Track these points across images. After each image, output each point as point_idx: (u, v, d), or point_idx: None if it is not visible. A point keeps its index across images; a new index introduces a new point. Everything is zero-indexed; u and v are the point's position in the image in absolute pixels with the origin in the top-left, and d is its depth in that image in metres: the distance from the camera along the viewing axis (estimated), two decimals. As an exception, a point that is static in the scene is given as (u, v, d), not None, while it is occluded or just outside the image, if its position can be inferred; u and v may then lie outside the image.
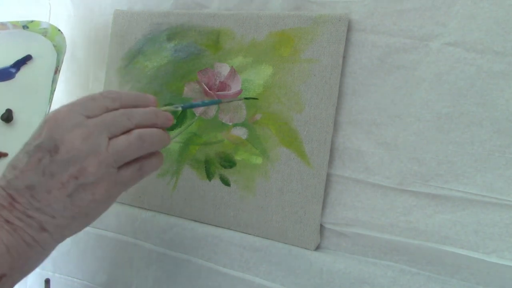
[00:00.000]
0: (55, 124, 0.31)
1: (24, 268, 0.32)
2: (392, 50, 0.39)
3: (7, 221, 0.31)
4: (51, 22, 0.58)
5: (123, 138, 0.32)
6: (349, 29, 0.40)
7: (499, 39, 0.35)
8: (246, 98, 0.43)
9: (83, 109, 0.32)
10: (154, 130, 0.34)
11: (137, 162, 0.34)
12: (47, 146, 0.30)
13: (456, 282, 0.37)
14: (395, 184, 0.39)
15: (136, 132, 0.33)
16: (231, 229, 0.45)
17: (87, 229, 0.52)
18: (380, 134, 0.40)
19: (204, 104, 0.44)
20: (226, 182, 0.45)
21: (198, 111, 0.47)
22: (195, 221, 0.47)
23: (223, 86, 0.45)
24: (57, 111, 0.32)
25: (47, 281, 0.52)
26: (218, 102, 0.44)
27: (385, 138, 0.39)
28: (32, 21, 0.54)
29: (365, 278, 0.39)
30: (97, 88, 0.56)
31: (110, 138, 0.32)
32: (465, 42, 0.36)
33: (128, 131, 0.33)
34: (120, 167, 0.33)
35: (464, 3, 0.36)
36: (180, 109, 0.39)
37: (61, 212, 0.31)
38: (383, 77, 0.39)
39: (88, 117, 0.32)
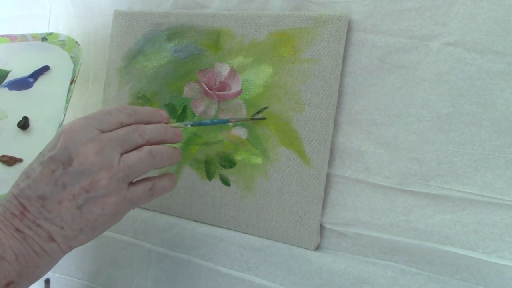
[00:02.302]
0: (70, 136, 0.31)
1: (31, 276, 0.32)
2: (392, 50, 0.39)
3: (17, 230, 0.31)
4: (51, 22, 0.58)
5: (134, 154, 0.33)
6: (349, 29, 0.40)
7: (499, 39, 0.35)
8: (253, 119, 0.43)
9: (98, 123, 0.33)
10: (164, 146, 0.36)
11: (149, 181, 0.35)
12: (61, 158, 0.31)
13: (456, 282, 0.37)
14: (395, 184, 0.39)
15: (147, 148, 0.34)
16: (231, 229, 0.45)
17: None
18: (380, 134, 0.40)
19: (212, 123, 0.44)
20: (226, 182, 0.45)
21: (198, 111, 0.47)
22: (195, 221, 0.47)
23: (223, 86, 0.45)
24: (73, 124, 0.32)
25: (47, 281, 0.52)
26: (226, 122, 0.44)
27: (385, 138, 0.39)
28: (51, 34, 0.56)
29: (365, 278, 0.39)
30: (97, 88, 0.56)
31: (122, 154, 0.33)
32: (465, 42, 0.36)
33: (139, 147, 0.34)
34: (131, 184, 0.34)
35: (464, 3, 0.36)
36: (189, 126, 0.40)
37: (69, 223, 0.32)
38: (383, 77, 0.39)
39: (103, 131, 0.33)
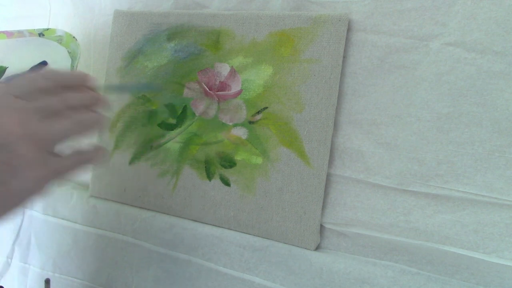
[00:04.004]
0: None
1: None
2: (392, 50, 0.39)
3: None
4: (51, 22, 0.58)
5: (56, 122, 0.30)
6: (349, 29, 0.40)
7: (499, 39, 0.35)
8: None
9: (14, 89, 0.30)
10: (87, 112, 0.33)
11: (74, 150, 0.33)
12: None
13: (456, 282, 0.37)
14: (395, 184, 0.39)
15: (68, 114, 0.31)
16: (231, 229, 0.45)
17: (87, 229, 0.52)
18: (380, 134, 0.40)
19: (136, 88, 0.43)
20: (226, 182, 0.45)
21: (198, 111, 0.47)
22: (195, 221, 0.47)
23: (223, 86, 0.45)
24: None
25: (47, 281, 0.52)
26: (154, 88, 0.43)
27: (385, 138, 0.39)
28: (47, 29, 0.56)
29: (365, 278, 0.39)
30: (97, 88, 0.56)
31: (42, 122, 0.30)
32: (465, 42, 0.36)
33: (60, 113, 0.31)
34: (55, 154, 0.31)
35: (464, 3, 0.36)
36: (111, 89, 0.38)
37: None
38: (383, 77, 0.39)
39: (19, 97, 0.30)
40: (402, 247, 0.39)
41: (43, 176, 0.30)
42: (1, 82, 0.54)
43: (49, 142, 0.30)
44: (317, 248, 0.42)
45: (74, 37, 0.53)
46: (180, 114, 0.48)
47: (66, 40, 0.54)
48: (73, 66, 0.51)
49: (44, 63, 0.54)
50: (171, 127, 0.48)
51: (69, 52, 0.54)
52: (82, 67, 0.57)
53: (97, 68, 0.56)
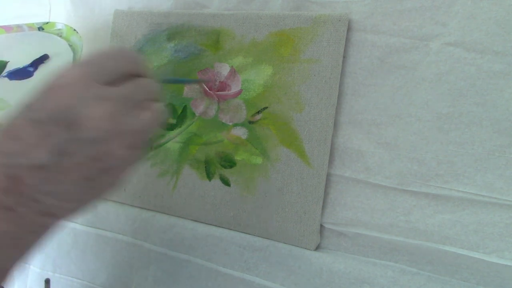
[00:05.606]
0: (70, 91, 0.25)
1: (23, 256, 0.28)
2: (392, 50, 0.39)
3: (8, 208, 0.25)
4: (52, 22, 0.58)
5: (147, 116, 0.28)
6: (349, 29, 0.40)
7: (499, 39, 0.35)
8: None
9: (99, 73, 0.27)
10: (160, 104, 0.30)
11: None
12: (62, 119, 0.25)
13: (456, 282, 0.37)
14: (395, 184, 0.39)
15: (157, 107, 0.29)
16: (231, 229, 0.45)
17: (87, 229, 0.52)
18: (380, 134, 0.40)
19: (181, 81, 0.44)
20: (226, 182, 0.45)
21: (198, 111, 0.47)
22: (195, 221, 0.47)
23: (223, 86, 0.45)
24: (69, 75, 0.26)
25: (47, 281, 0.52)
26: (194, 81, 0.44)
27: (385, 138, 0.39)
28: (47, 23, 0.56)
29: (365, 278, 0.39)
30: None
31: (130, 114, 0.27)
32: (465, 42, 0.36)
33: (141, 105, 0.29)
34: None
35: (464, 3, 0.36)
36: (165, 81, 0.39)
37: (75, 195, 0.27)
38: (383, 77, 0.39)
39: (107, 83, 0.27)
40: (402, 247, 0.39)
41: (127, 172, 0.28)
42: (2, 76, 0.54)
43: (137, 138, 0.28)
44: (317, 248, 0.42)
45: (74, 30, 0.53)
46: (180, 114, 0.48)
47: (66, 33, 0.54)
48: (76, 59, 0.51)
49: (45, 57, 0.54)
50: (171, 127, 0.48)
51: (70, 45, 0.53)
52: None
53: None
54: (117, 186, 0.29)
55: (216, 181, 0.46)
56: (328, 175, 0.41)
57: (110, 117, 0.26)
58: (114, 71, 0.27)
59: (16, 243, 0.26)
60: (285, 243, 0.43)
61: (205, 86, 0.46)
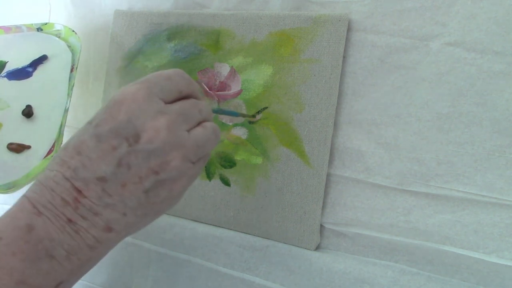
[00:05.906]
0: (134, 106, 0.26)
1: (82, 272, 0.29)
2: (392, 50, 0.39)
3: (70, 220, 0.26)
4: (51, 22, 0.58)
5: (200, 132, 0.29)
6: (349, 29, 0.40)
7: (499, 39, 0.35)
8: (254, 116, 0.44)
9: (161, 92, 0.28)
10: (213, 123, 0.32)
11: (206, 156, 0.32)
12: (124, 132, 0.26)
13: (456, 282, 0.37)
14: (395, 184, 0.39)
15: (210, 125, 0.30)
16: (231, 229, 0.45)
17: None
18: (380, 134, 0.40)
19: (229, 113, 0.44)
20: (226, 182, 0.45)
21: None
22: (195, 221, 0.47)
23: (223, 86, 0.45)
24: (134, 91, 0.27)
25: (47, 281, 0.52)
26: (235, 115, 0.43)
27: (385, 138, 0.39)
28: (46, 23, 0.56)
29: (365, 278, 0.39)
30: (97, 88, 0.56)
31: (187, 130, 0.29)
32: (465, 42, 0.36)
33: (197, 124, 0.30)
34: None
35: (464, 3, 0.36)
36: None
37: (133, 209, 0.27)
38: (383, 77, 0.39)
39: (165, 101, 0.28)
40: (402, 247, 0.39)
41: (186, 186, 0.29)
42: (1, 76, 0.54)
43: (197, 154, 0.29)
44: (317, 248, 0.42)
45: (73, 31, 0.53)
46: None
47: (65, 34, 0.54)
48: (74, 60, 0.51)
49: (44, 57, 0.54)
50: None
51: (68, 46, 0.54)
52: (82, 67, 0.57)
53: (97, 68, 0.56)
54: (174, 201, 0.30)
55: (216, 181, 0.46)
56: (328, 175, 0.41)
57: (168, 129, 0.27)
58: (171, 90, 0.29)
59: (74, 257, 0.27)
60: (285, 243, 0.43)
61: (205, 86, 0.46)
